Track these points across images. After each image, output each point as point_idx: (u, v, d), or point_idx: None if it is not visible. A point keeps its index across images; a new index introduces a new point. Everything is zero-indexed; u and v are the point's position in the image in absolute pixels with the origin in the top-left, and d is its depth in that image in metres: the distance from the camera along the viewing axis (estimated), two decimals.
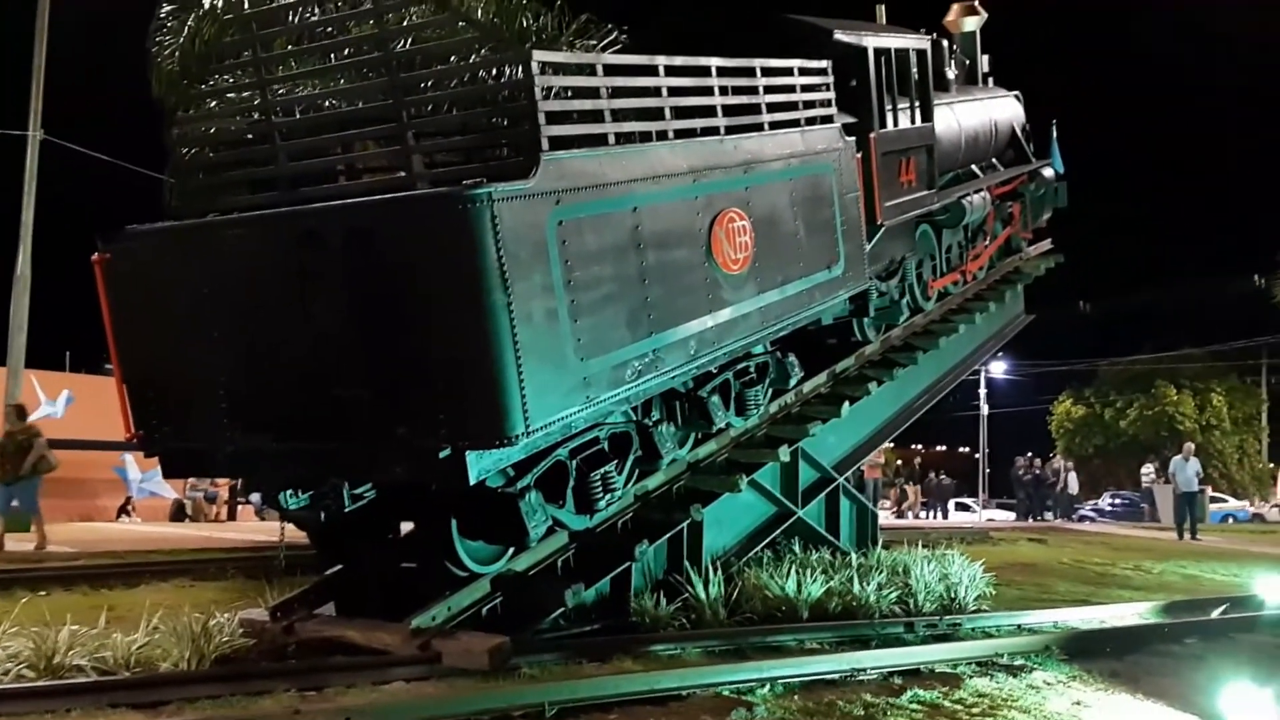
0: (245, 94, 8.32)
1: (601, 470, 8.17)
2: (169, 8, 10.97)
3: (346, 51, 8.54)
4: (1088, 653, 8.54)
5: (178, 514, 25.44)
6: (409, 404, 6.80)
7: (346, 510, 8.31)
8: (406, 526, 9.09)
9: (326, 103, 8.25)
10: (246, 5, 9.57)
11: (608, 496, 8.26)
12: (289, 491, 8.29)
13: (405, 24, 8.63)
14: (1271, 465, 44.95)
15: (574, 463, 8.03)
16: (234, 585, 10.72)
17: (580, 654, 7.79)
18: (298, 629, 8.04)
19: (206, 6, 10.51)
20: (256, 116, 8.10)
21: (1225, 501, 38.24)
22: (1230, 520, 34.12)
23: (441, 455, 6.67)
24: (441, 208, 6.64)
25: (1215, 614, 10.62)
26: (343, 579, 8.73)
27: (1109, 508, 37.05)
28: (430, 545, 8.22)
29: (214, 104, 8.99)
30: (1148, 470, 35.24)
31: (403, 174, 7.35)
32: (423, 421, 6.74)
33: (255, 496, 18.70)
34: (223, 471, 10.50)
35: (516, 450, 6.94)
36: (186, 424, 7.60)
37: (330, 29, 8.77)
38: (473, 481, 6.79)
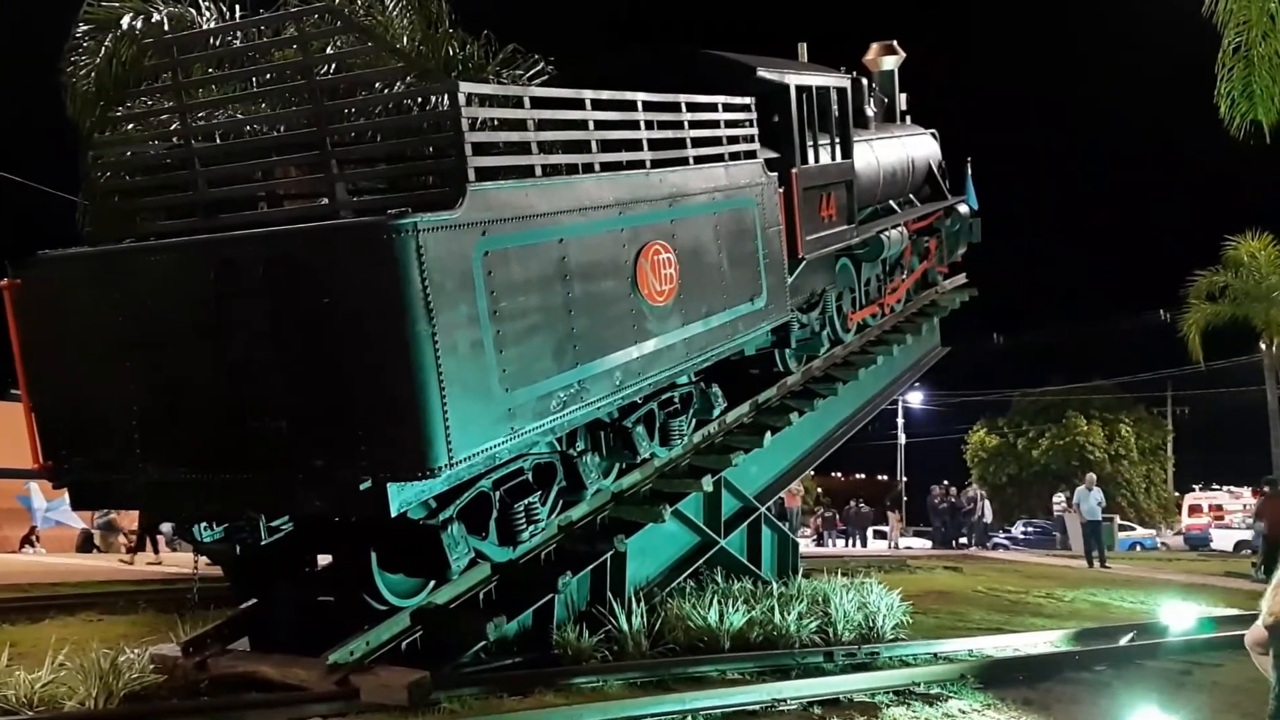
0: (164, 118, 8.18)
1: (525, 501, 8.14)
2: (85, 27, 10.77)
3: (269, 77, 8.47)
4: (1002, 681, 8.71)
5: (85, 545, 24.62)
6: (329, 435, 6.70)
7: (263, 543, 8.16)
8: (324, 559, 8.95)
9: (248, 128, 8.16)
10: (166, 28, 9.43)
11: (531, 528, 8.23)
12: (203, 524, 8.12)
13: (330, 51, 8.59)
14: (1177, 494, 46.23)
15: (497, 494, 7.99)
16: (144, 619, 10.44)
17: (501, 688, 7.72)
18: (211, 665, 7.86)
19: (124, 27, 10.34)
20: (175, 141, 7.97)
21: (1133, 530, 39.25)
22: (1138, 548, 35.01)
23: (362, 487, 6.58)
24: (366, 237, 6.58)
25: (1124, 641, 10.90)
26: (258, 613, 8.55)
27: (1022, 535, 37.71)
28: (348, 578, 8.09)
29: (131, 127, 8.84)
30: (1059, 499, 36.06)
31: (325, 202, 7.28)
32: (343, 453, 6.65)
33: (167, 527, 18.24)
34: (135, 503, 10.21)
35: (439, 482, 6.88)
36: (98, 454, 7.39)
37: (253, 54, 8.68)
38: (394, 514, 6.71)
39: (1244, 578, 18.86)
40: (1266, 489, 20.84)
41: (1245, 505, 33.73)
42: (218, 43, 8.88)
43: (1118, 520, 34.43)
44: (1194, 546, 34.54)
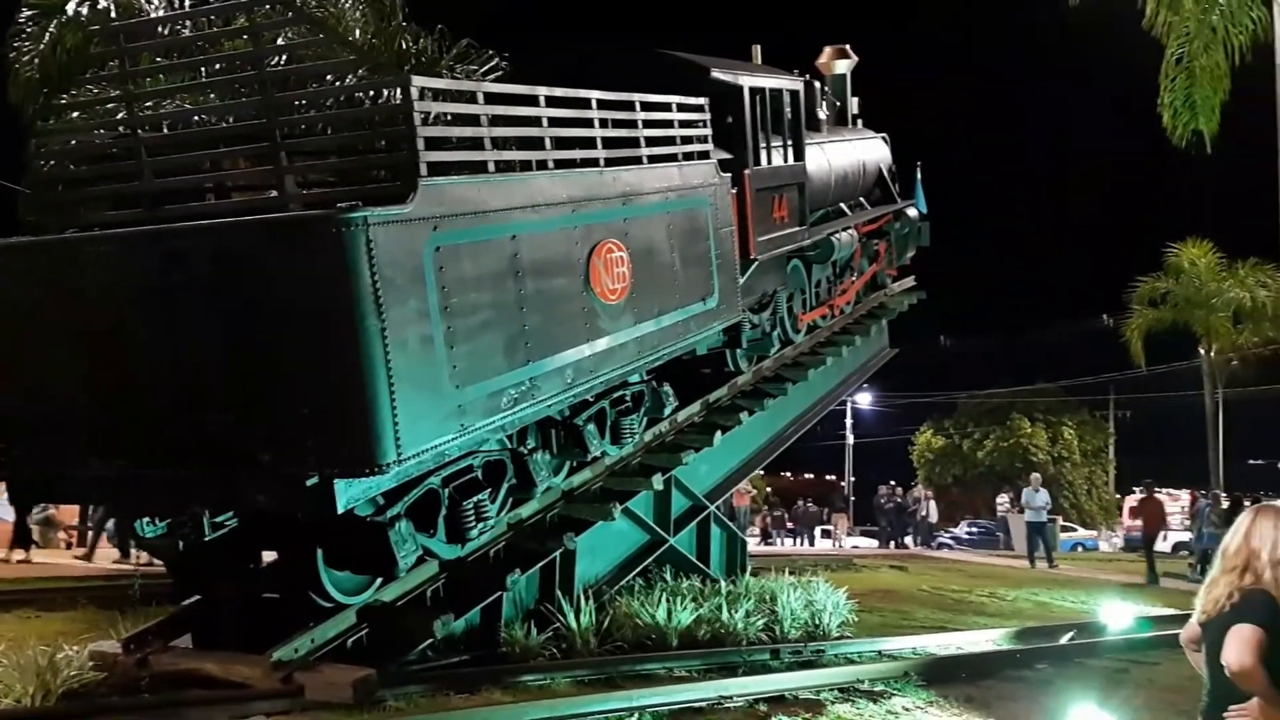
0: (110, 106, 8.05)
1: (474, 499, 8.10)
2: (29, 12, 10.57)
3: (219, 67, 8.37)
4: (944, 678, 8.83)
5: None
6: (275, 430, 6.63)
7: (207, 539, 8.05)
8: (269, 555, 8.84)
9: (196, 118, 8.06)
10: (113, 14, 9.28)
11: (480, 525, 8.19)
12: (146, 518, 8.00)
13: (280, 42, 8.51)
14: (1118, 496, 47.02)
15: (446, 491, 7.94)
16: (84, 616, 10.25)
17: (448, 685, 7.71)
18: (152, 662, 7.74)
19: (70, 13, 10.17)
20: (121, 130, 7.84)
21: (1075, 530, 39.85)
22: (1080, 549, 35.56)
23: (309, 483, 6.52)
24: (315, 231, 6.51)
25: (1064, 640, 11.10)
26: (201, 610, 8.43)
27: (966, 536, 38.17)
28: (294, 575, 8.01)
29: (76, 115, 8.70)
30: (1002, 500, 36.57)
31: (274, 194, 7.20)
32: (289, 448, 6.58)
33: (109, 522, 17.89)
34: (77, 497, 10.05)
35: (387, 478, 6.83)
36: (39, 447, 7.26)
37: (203, 44, 8.57)
38: (341, 510, 6.65)
39: (1181, 578, 19.26)
40: (1142, 491, 21.36)
41: (1183, 508, 34.39)
42: (166, 31, 8.75)
43: (1060, 521, 34.96)
44: (1134, 548, 35.13)
